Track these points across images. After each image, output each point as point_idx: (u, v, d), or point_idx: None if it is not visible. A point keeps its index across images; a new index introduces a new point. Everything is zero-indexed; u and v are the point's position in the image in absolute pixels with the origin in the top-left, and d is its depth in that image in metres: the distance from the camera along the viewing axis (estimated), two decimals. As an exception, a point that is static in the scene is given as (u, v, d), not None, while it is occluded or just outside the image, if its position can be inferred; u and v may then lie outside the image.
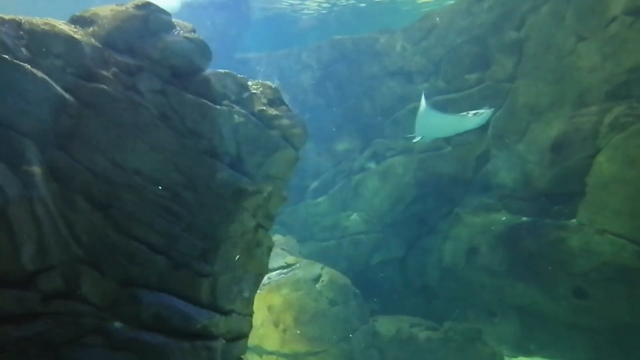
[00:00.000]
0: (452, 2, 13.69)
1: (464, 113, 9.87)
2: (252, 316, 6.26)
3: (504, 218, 11.77)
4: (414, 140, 10.75)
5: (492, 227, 11.86)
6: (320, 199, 14.44)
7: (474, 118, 9.78)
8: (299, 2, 16.44)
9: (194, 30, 5.64)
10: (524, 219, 11.42)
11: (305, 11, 17.21)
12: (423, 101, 10.03)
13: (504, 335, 11.64)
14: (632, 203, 9.44)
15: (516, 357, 11.34)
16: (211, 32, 15.89)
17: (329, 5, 16.60)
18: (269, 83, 6.21)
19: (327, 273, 10.77)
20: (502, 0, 11.82)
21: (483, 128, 11.37)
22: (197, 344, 5.16)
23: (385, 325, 10.60)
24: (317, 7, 16.89)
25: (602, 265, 9.81)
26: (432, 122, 10.27)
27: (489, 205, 12.17)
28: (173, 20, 5.60)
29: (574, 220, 10.45)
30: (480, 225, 12.04)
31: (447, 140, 12.69)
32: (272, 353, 10.04)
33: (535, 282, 11.10)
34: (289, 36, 17.93)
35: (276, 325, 10.00)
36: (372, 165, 13.80)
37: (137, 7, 5.33)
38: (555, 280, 10.70)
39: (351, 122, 14.43)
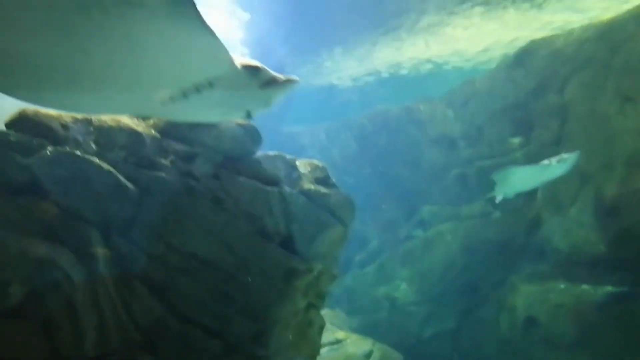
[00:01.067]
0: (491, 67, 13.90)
1: (545, 161, 9.33)
2: (305, 399, 6.07)
3: (562, 286, 11.16)
4: (496, 201, 10.37)
5: (551, 296, 11.24)
6: (367, 269, 14.21)
7: (558, 165, 9.13)
8: (340, 75, 17.13)
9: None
10: (585, 286, 10.78)
11: (347, 83, 17.87)
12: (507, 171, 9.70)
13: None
14: None
15: None
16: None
17: (369, 76, 17.18)
18: (316, 162, 6.38)
19: (378, 349, 10.38)
20: (540, 65, 11.93)
21: (531, 193, 11.12)
22: None
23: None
24: (358, 79, 17.51)
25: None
26: (512, 178, 9.83)
27: (545, 273, 11.61)
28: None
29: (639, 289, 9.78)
30: (538, 294, 11.44)
31: (495, 205, 12.43)
32: None
33: (602, 356, 10.28)
34: (332, 108, 18.56)
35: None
36: (419, 233, 13.60)
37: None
38: (620, 353, 9.88)
39: (396, 190, 14.44)
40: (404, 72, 16.68)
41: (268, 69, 2.82)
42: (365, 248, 14.56)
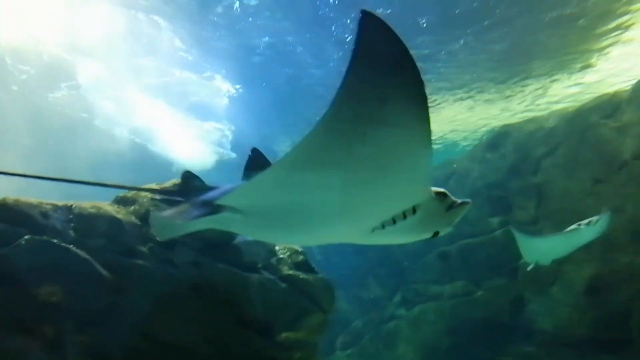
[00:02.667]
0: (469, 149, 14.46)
1: (575, 225, 8.73)
2: None
3: (549, 367, 10.97)
4: (528, 269, 9.72)
5: (539, 379, 11.00)
6: (349, 351, 13.81)
7: (588, 228, 8.47)
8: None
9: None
10: (571, 368, 10.61)
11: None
12: (518, 235, 9.11)
13: None
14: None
15: None
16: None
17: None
18: (296, 247, 6.45)
19: None
20: (515, 147, 12.47)
21: (512, 273, 11.19)
22: None
23: None
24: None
25: None
26: (536, 247, 9.32)
27: (531, 354, 11.41)
28: (207, 193, 6.08)
29: (626, 370, 9.65)
30: (525, 376, 11.19)
31: (477, 284, 12.45)
32: None
33: None
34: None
35: None
36: (402, 312, 13.41)
37: (175, 185, 5.85)
38: None
39: (380, 268, 14.39)
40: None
41: (450, 194, 3.02)
42: (348, 329, 14.23)
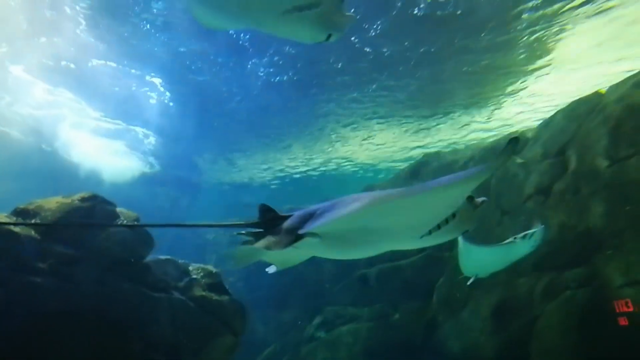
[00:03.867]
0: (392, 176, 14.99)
1: (511, 239, 8.94)
2: None
3: (458, 389, 11.41)
4: (468, 283, 9.71)
5: (447, 401, 11.40)
6: (267, 373, 13.62)
7: (525, 242, 8.58)
8: (249, 175, 17.53)
9: (137, 219, 5.88)
10: (477, 390, 11.10)
11: (256, 182, 18.25)
12: (460, 240, 9.02)
13: None
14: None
15: None
16: (164, 202, 16.37)
17: (278, 178, 17.74)
18: (210, 268, 6.34)
19: None
20: (434, 176, 13.07)
21: (427, 297, 11.59)
22: None
23: None
24: (267, 179, 17.98)
25: None
26: (477, 258, 9.29)
27: (441, 376, 11.85)
28: (117, 209, 5.86)
29: (524, 392, 10.24)
30: (435, 398, 11.56)
31: (394, 307, 12.78)
32: None
33: None
34: (240, 206, 18.66)
35: None
36: (321, 334, 13.45)
37: (83, 199, 5.59)
38: None
39: (299, 290, 14.39)
40: (312, 174, 17.49)
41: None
42: (267, 351, 14.05)
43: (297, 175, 17.55)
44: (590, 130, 9.37)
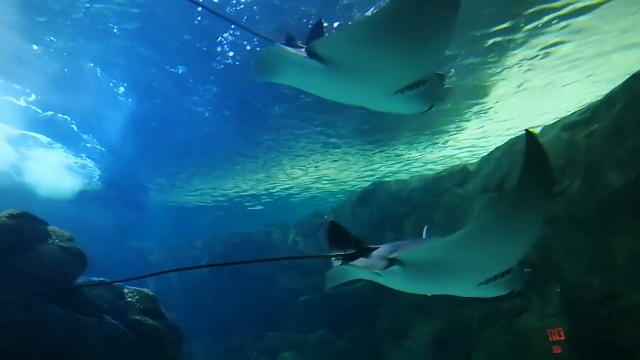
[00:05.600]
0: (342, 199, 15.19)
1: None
2: None
3: (398, 417, 11.47)
4: None
5: None
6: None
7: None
8: (194, 196, 17.27)
9: (70, 239, 5.68)
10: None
11: (203, 204, 17.99)
12: None
13: None
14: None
15: None
16: (105, 221, 15.81)
17: (218, 203, 17.57)
18: (145, 291, 6.18)
19: None
20: (380, 205, 13.38)
21: (370, 324, 11.62)
22: None
23: None
24: (213, 202, 17.76)
25: None
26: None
27: (383, 403, 11.90)
28: (50, 228, 5.64)
29: (462, 419, 10.42)
30: None
31: (338, 333, 12.80)
32: None
33: None
34: (185, 226, 18.30)
35: None
36: (264, 360, 13.26)
37: (12, 216, 5.35)
38: None
39: (245, 316, 14.18)
40: (263, 197, 17.45)
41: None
42: (207, 378, 13.68)
43: (244, 201, 17.52)
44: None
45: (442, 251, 3.27)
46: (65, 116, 12.15)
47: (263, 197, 17.47)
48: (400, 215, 12.93)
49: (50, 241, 5.45)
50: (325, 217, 14.29)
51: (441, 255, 3.31)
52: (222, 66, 9.89)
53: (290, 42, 3.79)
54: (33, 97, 11.51)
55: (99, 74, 10.38)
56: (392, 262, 3.46)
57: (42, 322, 5.06)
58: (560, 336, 9.56)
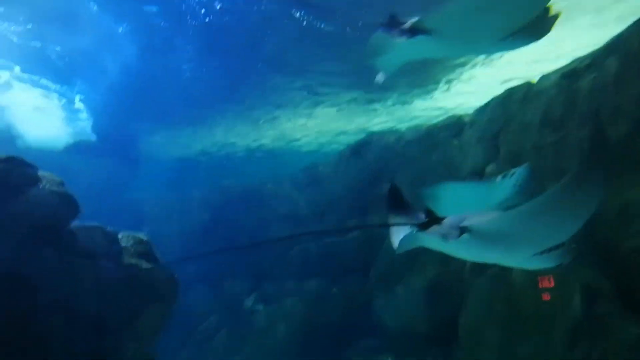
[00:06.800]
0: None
1: (489, 179, 8.34)
2: None
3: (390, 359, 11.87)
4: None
5: (379, 370, 11.83)
6: (206, 345, 13.61)
7: (504, 182, 6.69)
8: (194, 148, 17.17)
9: (62, 184, 5.63)
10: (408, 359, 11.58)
11: (199, 156, 17.90)
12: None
13: None
14: (497, 342, 10.07)
15: None
16: (97, 173, 15.73)
17: (220, 151, 17.48)
18: (140, 236, 6.20)
19: None
20: (375, 156, 13.35)
21: (364, 273, 11.86)
22: None
23: None
24: (207, 152, 17.67)
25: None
26: (452, 195, 7.62)
27: (374, 347, 12.27)
28: (40, 173, 5.57)
29: (451, 361, 10.80)
30: (368, 368, 11.98)
31: (333, 282, 13.06)
32: None
33: None
34: (181, 179, 18.26)
35: None
36: (260, 307, 13.56)
37: (-1, 160, 5.28)
38: None
39: (241, 264, 14.40)
40: (258, 149, 17.36)
41: None
42: (205, 323, 14.03)
43: (239, 153, 17.44)
44: (520, 116, 9.83)
45: (513, 221, 3.43)
46: (57, 47, 11.65)
47: (255, 150, 17.39)
48: (395, 167, 12.91)
49: (41, 186, 5.40)
50: (320, 169, 14.28)
51: (511, 226, 3.49)
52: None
53: (393, 22, 4.07)
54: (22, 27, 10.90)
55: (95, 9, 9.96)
56: (463, 230, 3.66)
57: (35, 265, 5.08)
58: (549, 283, 9.79)
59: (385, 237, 12.53)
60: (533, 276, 9.56)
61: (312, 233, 12.89)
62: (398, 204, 5.04)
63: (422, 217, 4.14)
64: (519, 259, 4.14)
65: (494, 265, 10.43)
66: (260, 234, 14.43)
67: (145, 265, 5.98)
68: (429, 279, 11.66)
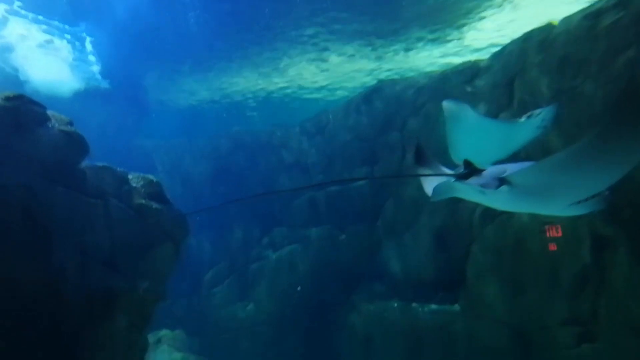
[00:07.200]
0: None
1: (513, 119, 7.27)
2: None
3: (396, 305, 12.12)
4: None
5: (385, 314, 12.11)
6: (215, 290, 13.99)
7: (529, 122, 6.38)
8: (202, 94, 16.99)
9: (70, 123, 5.57)
10: (414, 304, 11.82)
11: (208, 103, 17.75)
12: (450, 105, 5.72)
13: None
14: (504, 289, 10.23)
15: None
16: (107, 119, 15.67)
17: (228, 99, 17.30)
18: (150, 177, 6.20)
19: (216, 371, 10.20)
20: (386, 103, 13.10)
21: (372, 221, 11.90)
22: None
23: None
24: (217, 100, 17.50)
25: (483, 349, 10.28)
26: (471, 132, 6.32)
27: (382, 293, 12.52)
28: (48, 112, 5.51)
29: (456, 306, 11.01)
30: (374, 312, 12.26)
31: (342, 229, 13.18)
32: None
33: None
34: (188, 125, 18.21)
35: None
36: (269, 254, 13.80)
37: (7, 99, 5.19)
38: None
39: (249, 212, 14.53)
40: (270, 96, 17.14)
41: None
42: (214, 268, 14.35)
43: (249, 101, 17.24)
44: (538, 61, 9.49)
45: (552, 172, 3.45)
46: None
47: (263, 97, 17.16)
48: (406, 115, 12.69)
49: (50, 125, 5.34)
50: (330, 116, 14.08)
51: (550, 177, 3.51)
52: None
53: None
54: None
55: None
56: (502, 182, 3.72)
57: (48, 203, 5.11)
58: (557, 233, 9.78)
59: (394, 186, 12.55)
60: (542, 225, 9.55)
61: (335, 182, 12.89)
62: (425, 159, 5.33)
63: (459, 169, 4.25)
64: (555, 208, 4.16)
65: (503, 213, 10.44)
66: (269, 182, 14.47)
67: (155, 205, 6.01)
68: (437, 227, 11.71)
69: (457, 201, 11.25)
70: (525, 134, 6.61)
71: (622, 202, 7.83)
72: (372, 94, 13.58)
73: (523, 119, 6.49)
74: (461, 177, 4.11)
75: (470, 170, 4.11)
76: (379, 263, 12.68)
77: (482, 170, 4.05)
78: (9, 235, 4.84)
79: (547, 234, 9.61)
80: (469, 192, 4.24)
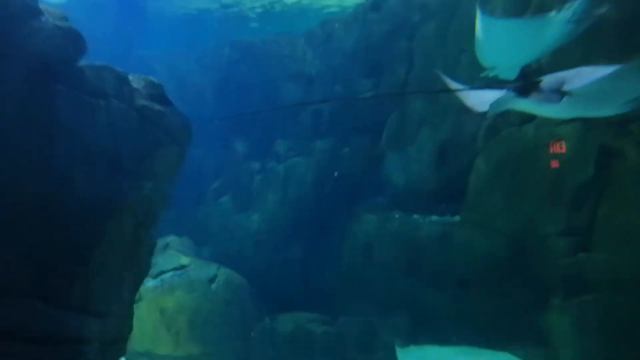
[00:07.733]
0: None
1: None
2: (132, 318, 6.04)
3: (397, 216, 12.37)
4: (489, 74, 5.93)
5: (387, 224, 12.39)
6: (221, 200, 14.28)
7: (560, 15, 5.34)
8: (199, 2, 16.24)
9: (65, 18, 5.33)
10: (415, 216, 12.06)
11: (207, 13, 17.01)
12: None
13: (397, 328, 12.18)
14: (504, 200, 10.37)
15: (407, 346, 11.91)
16: (105, 28, 15.12)
17: (231, 5, 16.53)
18: (151, 78, 6.06)
19: (223, 273, 10.65)
20: (394, 11, 12.50)
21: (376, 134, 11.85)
22: (64, 349, 4.87)
23: (283, 322, 10.65)
24: (218, 8, 16.73)
25: (480, 258, 10.61)
26: (500, 36, 5.74)
27: (383, 204, 12.75)
28: (41, 6, 5.25)
29: (457, 217, 11.24)
30: (376, 223, 12.55)
31: (346, 142, 13.15)
32: (165, 357, 9.72)
33: (424, 275, 11.74)
34: (190, 35, 17.58)
35: (169, 329, 9.70)
36: (273, 165, 13.90)
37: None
38: (442, 273, 11.38)
39: (253, 123, 14.44)
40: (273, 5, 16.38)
41: None
42: (220, 179, 14.55)
43: (257, 9, 16.49)
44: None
45: (614, 82, 3.52)
46: None
47: (270, 6, 16.40)
48: (414, 24, 12.16)
49: (44, 19, 5.11)
50: (336, 26, 13.53)
51: (615, 85, 3.61)
52: None
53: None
54: None
55: None
56: (563, 94, 3.81)
57: (48, 102, 5.02)
58: (561, 149, 9.72)
59: (397, 98, 12.31)
60: (546, 138, 9.48)
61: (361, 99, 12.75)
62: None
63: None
64: (607, 110, 4.27)
65: (510, 126, 10.32)
66: (273, 93, 14.22)
67: (158, 107, 5.92)
68: (441, 140, 11.68)
69: (461, 114, 11.13)
70: (555, 30, 5.72)
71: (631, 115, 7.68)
72: (380, 1, 12.97)
73: (552, 13, 5.55)
74: (520, 91, 4.11)
75: (529, 83, 4.11)
76: (381, 175, 12.79)
77: (540, 81, 4.06)
78: (6, 137, 4.75)
79: (552, 149, 9.57)
80: (527, 104, 4.29)
